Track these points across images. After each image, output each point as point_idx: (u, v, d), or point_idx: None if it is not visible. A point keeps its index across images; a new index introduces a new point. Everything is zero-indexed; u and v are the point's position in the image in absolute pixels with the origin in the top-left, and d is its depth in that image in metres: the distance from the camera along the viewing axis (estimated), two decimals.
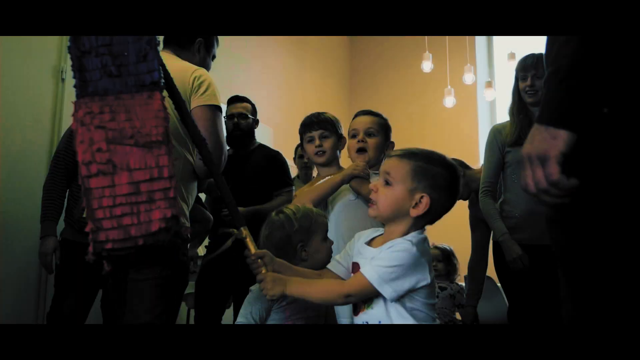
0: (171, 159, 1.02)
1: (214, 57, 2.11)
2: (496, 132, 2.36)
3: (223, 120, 1.85)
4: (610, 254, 0.90)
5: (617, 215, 0.90)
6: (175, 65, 1.74)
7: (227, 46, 4.62)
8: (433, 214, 1.22)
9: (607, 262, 0.90)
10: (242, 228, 1.31)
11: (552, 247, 1.02)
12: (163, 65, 1.17)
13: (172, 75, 1.65)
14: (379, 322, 1.18)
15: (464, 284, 3.05)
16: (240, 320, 1.44)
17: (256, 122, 2.96)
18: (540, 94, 2.16)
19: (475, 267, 2.82)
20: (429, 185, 1.20)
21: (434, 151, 1.28)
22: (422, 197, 1.19)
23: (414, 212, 1.20)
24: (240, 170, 2.79)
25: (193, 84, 1.73)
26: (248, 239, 1.29)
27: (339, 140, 2.05)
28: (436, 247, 3.17)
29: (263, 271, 1.25)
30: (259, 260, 1.26)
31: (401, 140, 1.97)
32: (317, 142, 1.99)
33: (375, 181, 1.28)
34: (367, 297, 1.18)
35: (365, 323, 1.21)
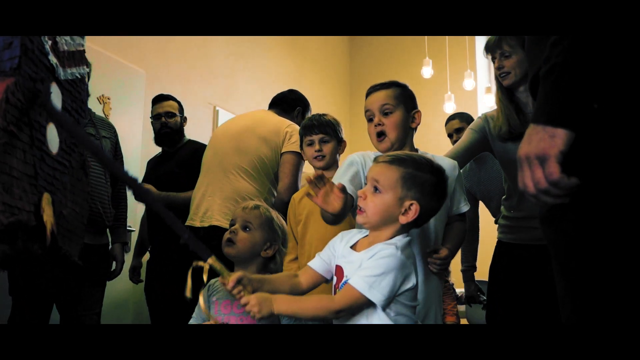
0: None
1: None
2: (486, 119, 2.11)
3: (303, 165, 2.33)
4: (609, 250, 0.89)
5: (614, 212, 0.89)
6: (275, 119, 2.42)
7: (227, 50, 4.64)
8: (421, 219, 1.23)
9: (605, 258, 0.89)
10: (209, 259, 1.22)
11: (548, 246, 1.01)
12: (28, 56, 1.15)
13: (271, 125, 2.39)
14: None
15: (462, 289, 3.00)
16: (191, 320, 1.61)
17: (184, 119, 2.97)
18: (512, 75, 1.98)
19: (466, 242, 2.68)
20: (419, 192, 1.21)
21: (421, 156, 1.29)
22: (411, 204, 1.20)
23: (404, 219, 1.20)
24: (165, 166, 2.83)
25: (286, 135, 2.31)
26: (220, 267, 1.22)
27: (339, 144, 2.04)
28: None
29: (245, 294, 1.18)
30: (239, 285, 1.19)
31: None
32: (316, 146, 1.98)
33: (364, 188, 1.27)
34: (358, 309, 1.17)
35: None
